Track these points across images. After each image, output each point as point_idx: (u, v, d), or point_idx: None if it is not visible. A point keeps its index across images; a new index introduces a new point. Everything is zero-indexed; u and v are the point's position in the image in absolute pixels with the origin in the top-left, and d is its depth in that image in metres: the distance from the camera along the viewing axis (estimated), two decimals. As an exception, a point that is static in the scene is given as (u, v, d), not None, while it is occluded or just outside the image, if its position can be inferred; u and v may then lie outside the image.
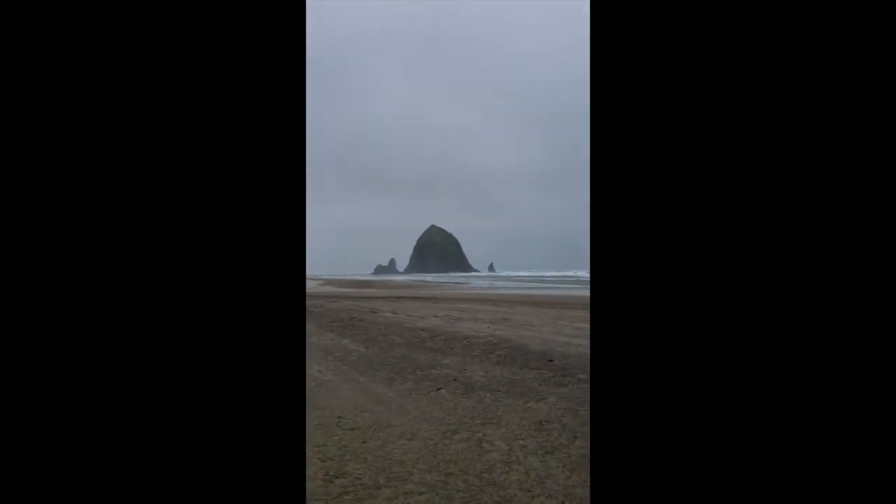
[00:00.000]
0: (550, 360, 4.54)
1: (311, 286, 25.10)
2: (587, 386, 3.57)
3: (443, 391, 3.44)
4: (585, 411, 2.92)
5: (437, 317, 8.67)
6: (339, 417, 2.80)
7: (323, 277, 63.02)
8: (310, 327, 6.88)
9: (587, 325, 7.38)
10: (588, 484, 1.92)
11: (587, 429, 2.60)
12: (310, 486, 1.85)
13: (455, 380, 3.78)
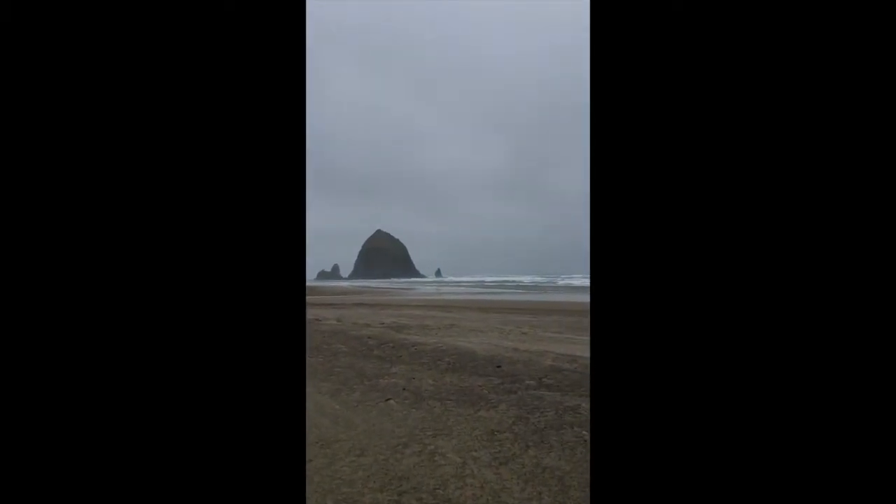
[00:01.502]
0: (499, 367, 4.54)
1: (249, 292, 23.87)
2: (536, 392, 3.58)
3: (392, 402, 3.33)
4: (536, 418, 2.92)
5: (383, 324, 8.50)
6: (282, 434, 2.62)
7: (263, 283, 60.31)
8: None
9: (532, 330, 7.51)
10: (541, 496, 1.90)
11: (539, 437, 2.59)
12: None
13: (404, 389, 3.68)
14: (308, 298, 19.25)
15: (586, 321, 9.22)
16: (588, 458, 2.31)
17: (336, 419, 2.92)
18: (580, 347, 5.81)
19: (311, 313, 10.50)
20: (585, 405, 3.21)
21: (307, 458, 2.25)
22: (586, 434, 2.63)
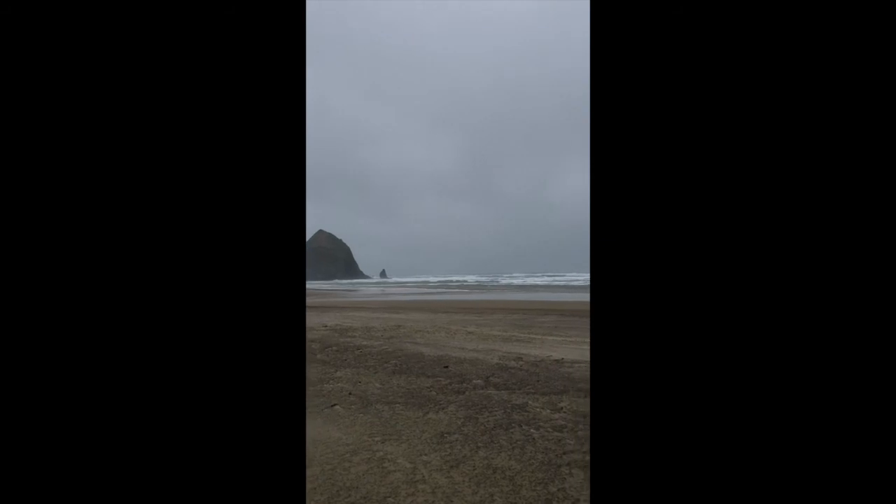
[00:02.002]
0: (446, 367, 4.53)
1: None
2: (484, 391, 3.60)
3: (338, 407, 3.22)
4: (485, 418, 2.92)
5: (326, 326, 8.26)
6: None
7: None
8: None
9: (478, 329, 7.58)
10: (494, 498, 1.89)
11: (488, 437, 2.59)
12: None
13: (350, 394, 3.57)
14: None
15: (529, 318, 9.44)
16: (537, 456, 2.33)
17: (278, 429, 2.77)
18: (524, 345, 5.92)
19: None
20: (532, 402, 3.26)
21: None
22: (534, 432, 2.67)
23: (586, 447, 2.43)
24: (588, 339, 6.38)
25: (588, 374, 4.17)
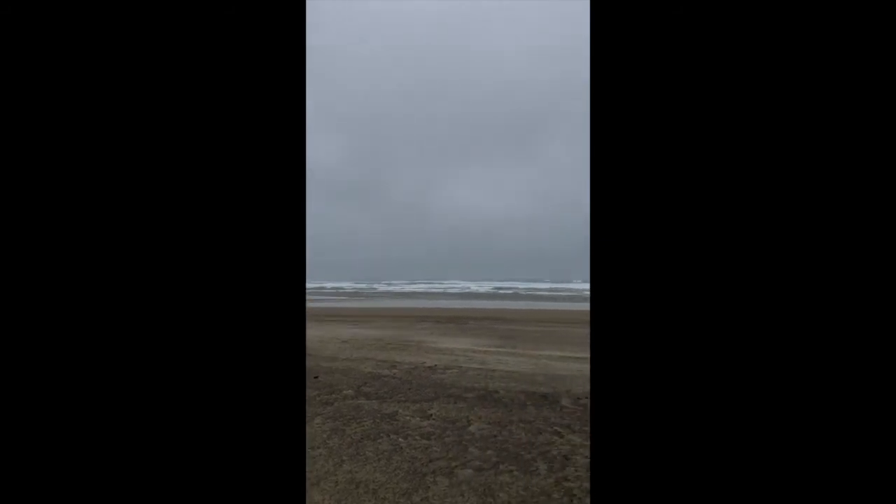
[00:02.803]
0: (316, 377, 4.32)
1: None
2: (354, 402, 3.49)
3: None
4: (353, 430, 2.82)
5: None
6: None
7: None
8: None
9: (352, 334, 7.39)
10: (357, 513, 1.81)
11: (354, 450, 2.50)
12: None
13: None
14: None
15: (411, 325, 9.48)
16: (403, 466, 2.30)
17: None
18: (398, 353, 5.91)
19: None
20: (403, 411, 3.24)
21: None
22: (402, 440, 2.64)
23: (452, 453, 2.47)
24: (462, 344, 6.58)
25: (456, 378, 4.28)
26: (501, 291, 32.87)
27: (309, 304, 18.84)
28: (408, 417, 3.10)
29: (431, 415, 3.16)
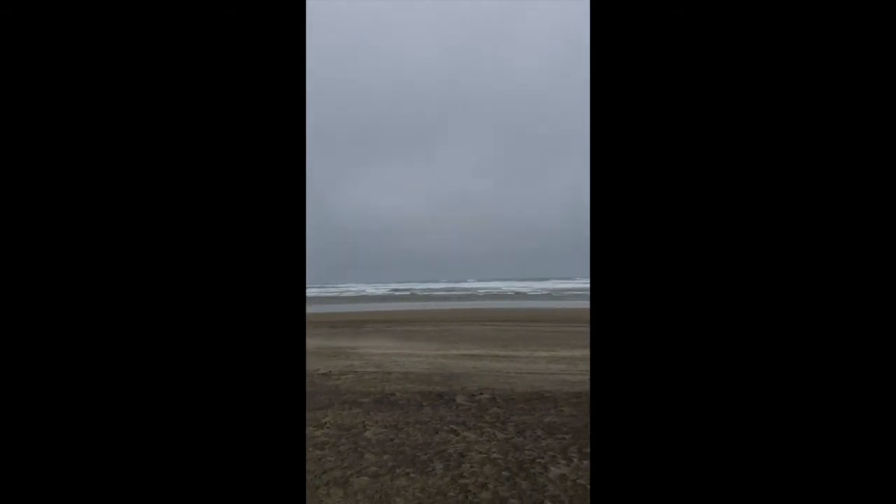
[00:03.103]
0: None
1: None
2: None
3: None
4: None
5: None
6: None
7: None
8: None
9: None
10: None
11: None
12: None
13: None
14: None
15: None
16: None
17: None
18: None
19: None
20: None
21: None
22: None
23: (347, 462, 2.39)
24: (358, 349, 6.43)
25: (352, 384, 4.17)
26: (398, 293, 32.89)
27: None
28: (299, 428, 2.94)
29: (325, 423, 3.04)
